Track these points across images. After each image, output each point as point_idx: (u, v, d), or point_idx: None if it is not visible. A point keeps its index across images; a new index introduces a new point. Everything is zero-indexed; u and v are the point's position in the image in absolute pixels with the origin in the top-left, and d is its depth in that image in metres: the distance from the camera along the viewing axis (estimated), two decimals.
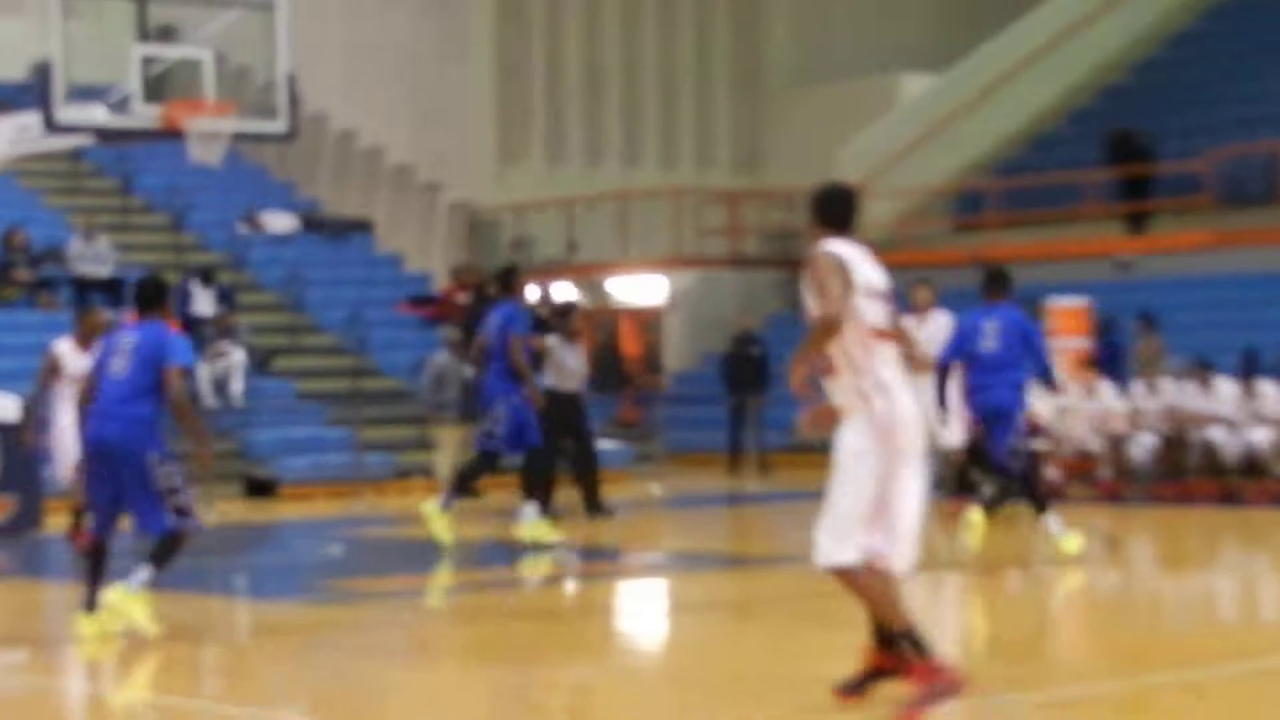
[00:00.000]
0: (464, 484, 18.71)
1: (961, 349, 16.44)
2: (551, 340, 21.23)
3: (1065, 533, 15.80)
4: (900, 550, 8.71)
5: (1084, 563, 16.20)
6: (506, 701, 10.43)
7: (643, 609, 15.52)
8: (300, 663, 12.22)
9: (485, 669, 11.73)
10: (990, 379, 16.16)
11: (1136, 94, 37.09)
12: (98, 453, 12.03)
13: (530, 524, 18.28)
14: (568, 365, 21.02)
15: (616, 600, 16.08)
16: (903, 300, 18.98)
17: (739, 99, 41.50)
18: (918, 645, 8.59)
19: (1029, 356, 16.38)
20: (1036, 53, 38.13)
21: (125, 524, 12.36)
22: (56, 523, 20.89)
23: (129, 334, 12.14)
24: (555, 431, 20.16)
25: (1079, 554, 15.74)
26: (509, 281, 19.15)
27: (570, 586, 17.04)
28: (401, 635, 13.57)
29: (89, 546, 13.03)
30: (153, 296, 12.37)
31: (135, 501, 11.88)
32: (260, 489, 25.75)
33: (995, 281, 16.59)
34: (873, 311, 8.60)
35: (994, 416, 16.25)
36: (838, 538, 8.65)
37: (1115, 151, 32.64)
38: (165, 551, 11.98)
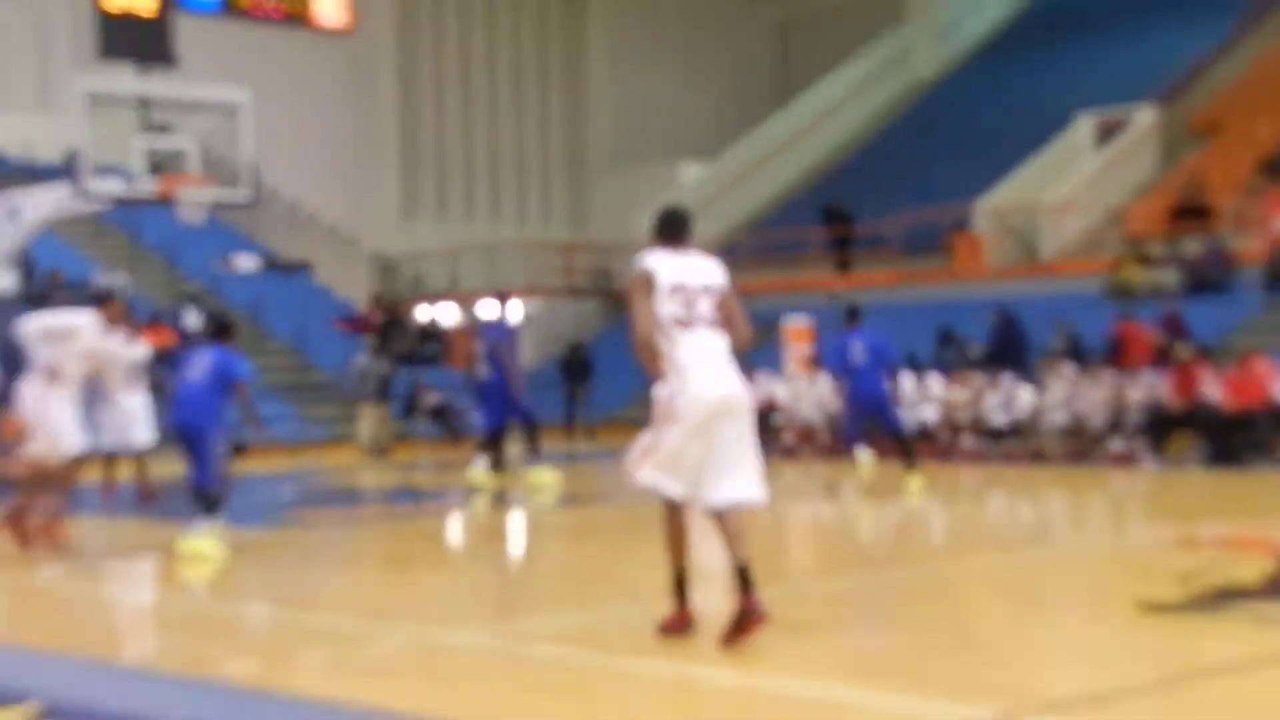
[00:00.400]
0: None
1: (840, 361, 17.58)
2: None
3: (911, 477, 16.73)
4: (702, 496, 7.81)
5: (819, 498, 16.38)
6: (402, 592, 10.44)
7: (502, 530, 15.51)
8: (265, 569, 12.13)
9: (393, 571, 11.74)
10: (864, 381, 17.23)
11: (843, 178, 37.37)
12: (179, 431, 12.04)
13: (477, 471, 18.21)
14: None
15: (484, 524, 16.04)
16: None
17: (571, 176, 41.58)
18: (679, 589, 7.92)
19: (883, 363, 17.64)
20: (775, 150, 38.81)
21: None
22: (96, 473, 20.64)
23: (205, 353, 12.23)
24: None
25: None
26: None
27: (452, 515, 17.00)
28: (336, 550, 13.52)
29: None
30: (221, 330, 12.57)
31: (198, 462, 11.93)
32: (235, 449, 25.43)
33: (852, 315, 17.81)
34: (673, 306, 7.91)
35: (874, 405, 17.59)
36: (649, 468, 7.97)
37: (828, 217, 33.06)
38: (211, 502, 11.94)
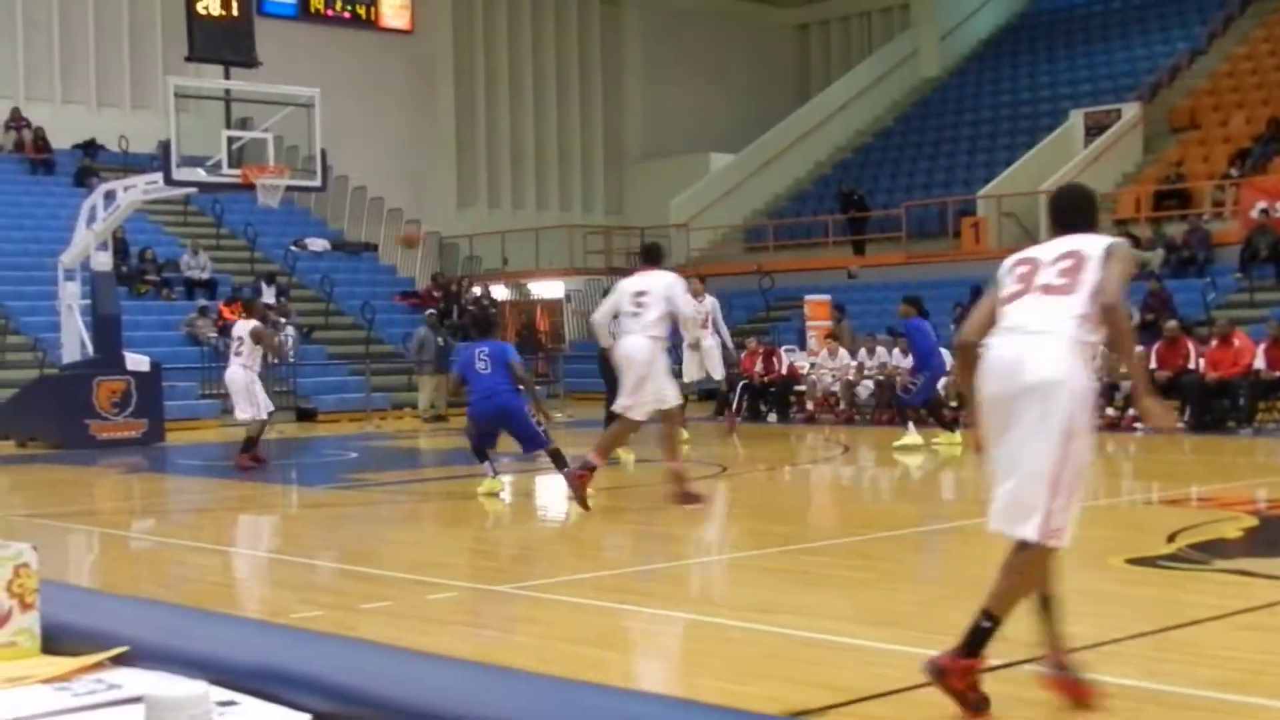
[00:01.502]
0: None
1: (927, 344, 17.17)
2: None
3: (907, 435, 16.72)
4: None
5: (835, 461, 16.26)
6: (463, 546, 10.36)
7: (551, 491, 15.42)
8: (330, 528, 12.09)
9: (452, 529, 11.66)
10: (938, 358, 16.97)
11: (858, 166, 37.39)
12: (490, 417, 12.76)
13: None
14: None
15: (536, 485, 15.98)
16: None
17: (609, 166, 41.48)
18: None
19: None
20: (796, 141, 38.70)
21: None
22: (174, 437, 20.68)
23: (482, 348, 12.82)
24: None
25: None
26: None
27: (505, 478, 16.90)
28: (397, 509, 13.46)
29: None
30: (487, 326, 13.65)
31: (517, 433, 12.84)
32: (306, 415, 25.52)
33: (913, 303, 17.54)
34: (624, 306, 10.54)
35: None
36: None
37: (844, 203, 32.94)
38: (557, 455, 12.70)
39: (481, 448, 13.05)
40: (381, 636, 6.55)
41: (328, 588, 8.84)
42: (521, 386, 13.00)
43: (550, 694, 1.60)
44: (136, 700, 1.12)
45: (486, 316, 14.76)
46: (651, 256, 12.27)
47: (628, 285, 11.68)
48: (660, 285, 11.42)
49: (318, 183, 21.02)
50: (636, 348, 11.27)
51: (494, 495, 12.78)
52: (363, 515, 12.78)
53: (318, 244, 31.80)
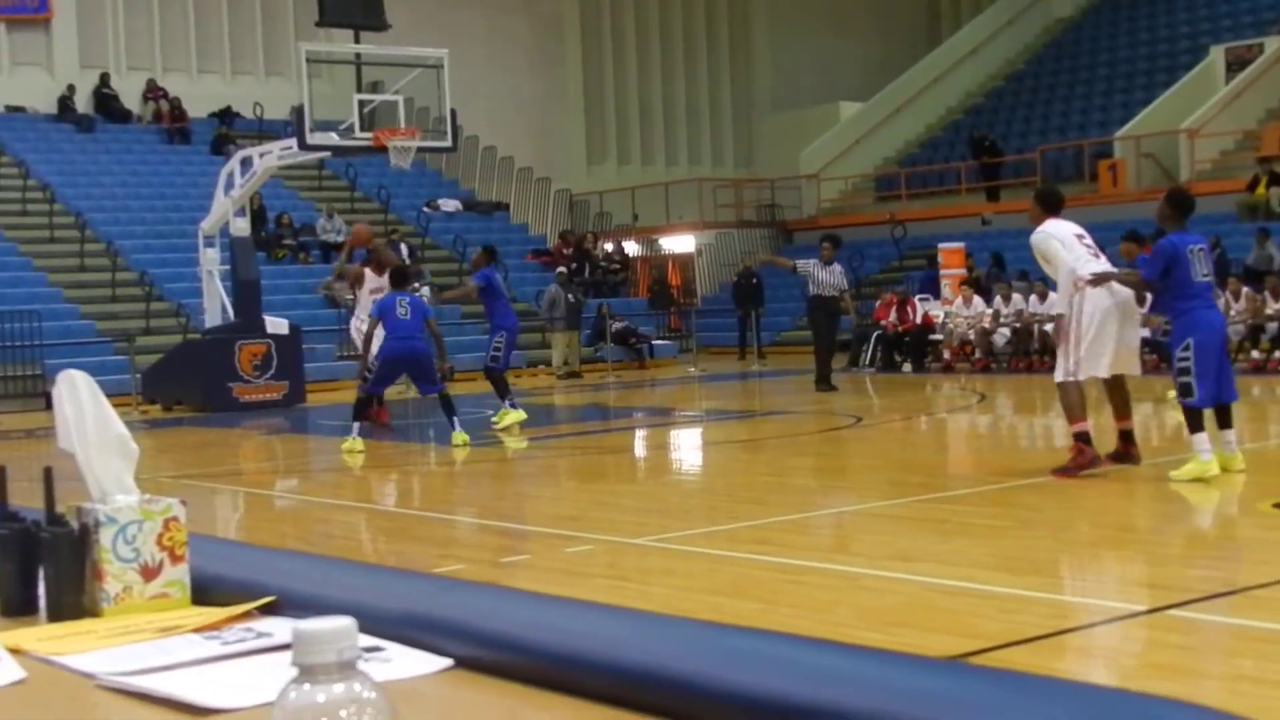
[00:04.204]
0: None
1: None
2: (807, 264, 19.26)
3: None
4: None
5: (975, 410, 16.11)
6: (598, 500, 10.43)
7: (687, 444, 15.50)
8: (468, 485, 12.24)
9: (588, 484, 11.74)
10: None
11: (990, 112, 36.82)
12: (405, 356, 13.44)
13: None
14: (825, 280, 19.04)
15: (671, 439, 16.06)
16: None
17: (738, 119, 41.28)
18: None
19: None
20: (925, 88, 38.22)
21: None
22: (314, 399, 21.05)
23: (404, 298, 13.51)
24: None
25: None
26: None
27: (638, 431, 16.99)
28: (533, 465, 13.58)
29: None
30: (405, 279, 14.00)
31: (423, 375, 13.46)
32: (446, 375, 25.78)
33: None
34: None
35: None
36: None
37: (977, 149, 32.49)
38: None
39: (377, 395, 14.08)
40: (524, 586, 6.64)
41: (467, 542, 8.97)
42: (433, 337, 13.96)
43: (696, 637, 1.61)
44: (286, 647, 1.16)
45: (405, 270, 14.91)
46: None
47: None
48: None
49: (448, 143, 21.17)
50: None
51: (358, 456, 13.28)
52: (500, 472, 12.92)
53: (450, 204, 32.10)
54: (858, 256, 28.67)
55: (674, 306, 32.03)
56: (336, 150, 21.36)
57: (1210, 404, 9.23)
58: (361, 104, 20.31)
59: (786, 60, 40.73)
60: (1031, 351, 21.48)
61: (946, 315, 23.37)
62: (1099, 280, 9.54)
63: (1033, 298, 21.61)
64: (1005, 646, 5.52)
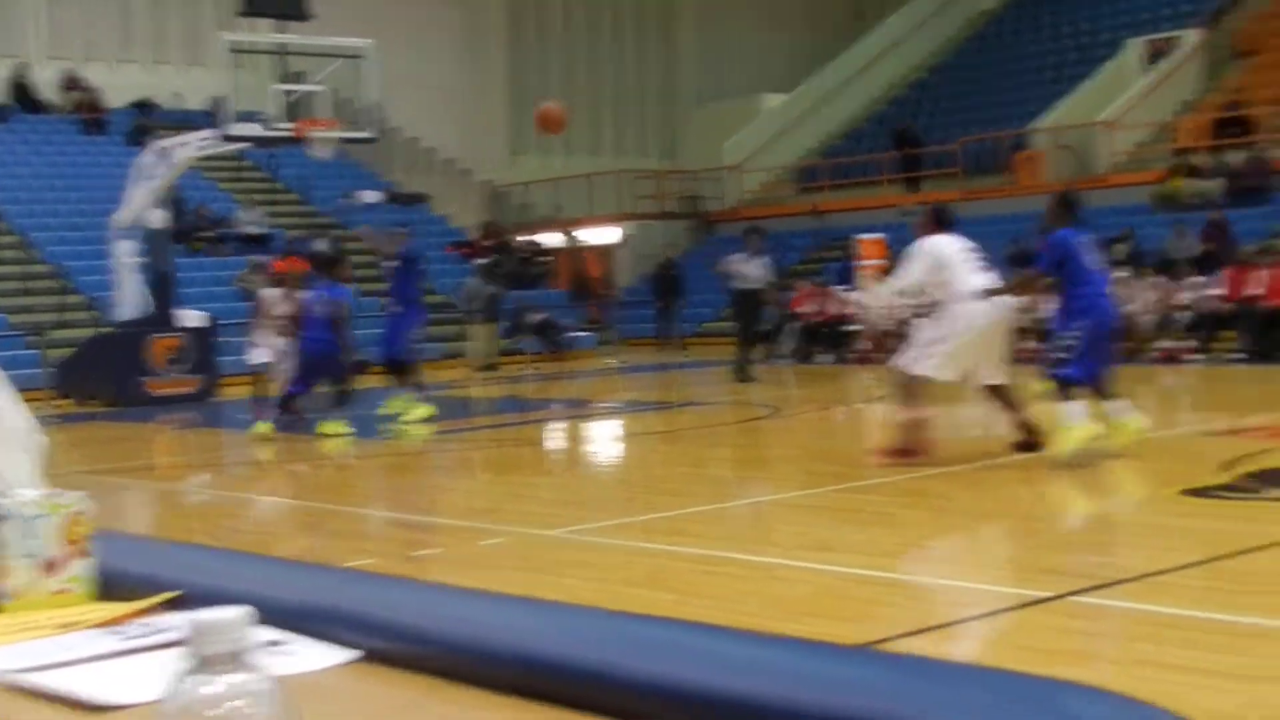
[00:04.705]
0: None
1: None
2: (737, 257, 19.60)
3: None
4: None
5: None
6: (513, 492, 10.46)
7: (604, 436, 15.54)
8: (382, 478, 12.23)
9: (503, 476, 11.76)
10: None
11: (913, 104, 37.08)
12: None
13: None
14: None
15: (588, 431, 16.09)
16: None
17: (662, 110, 41.32)
18: None
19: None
20: (848, 80, 38.47)
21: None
22: (229, 393, 20.90)
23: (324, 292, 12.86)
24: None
25: None
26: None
27: (555, 423, 17.00)
28: (449, 458, 13.58)
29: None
30: (328, 265, 13.14)
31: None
32: (358, 368, 25.63)
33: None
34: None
35: None
36: None
37: (898, 140, 32.77)
38: None
39: (306, 393, 13.90)
40: (431, 579, 6.66)
41: (379, 536, 8.98)
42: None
43: (604, 627, 1.63)
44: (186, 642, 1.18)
45: (329, 256, 14.87)
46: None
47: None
48: None
49: (371, 134, 21.10)
50: None
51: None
52: (414, 465, 12.92)
53: (371, 196, 31.90)
54: (779, 248, 28.81)
55: (594, 298, 32.05)
56: (257, 141, 21.21)
57: (1085, 381, 9.60)
58: (283, 94, 20.19)
59: (711, 52, 40.82)
60: None
61: (864, 306, 23.54)
62: (993, 294, 9.98)
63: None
64: (914, 634, 5.62)
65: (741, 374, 19.02)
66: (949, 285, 10.14)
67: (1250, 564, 6.55)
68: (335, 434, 13.75)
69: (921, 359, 10.19)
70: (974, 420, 10.73)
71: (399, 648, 1.67)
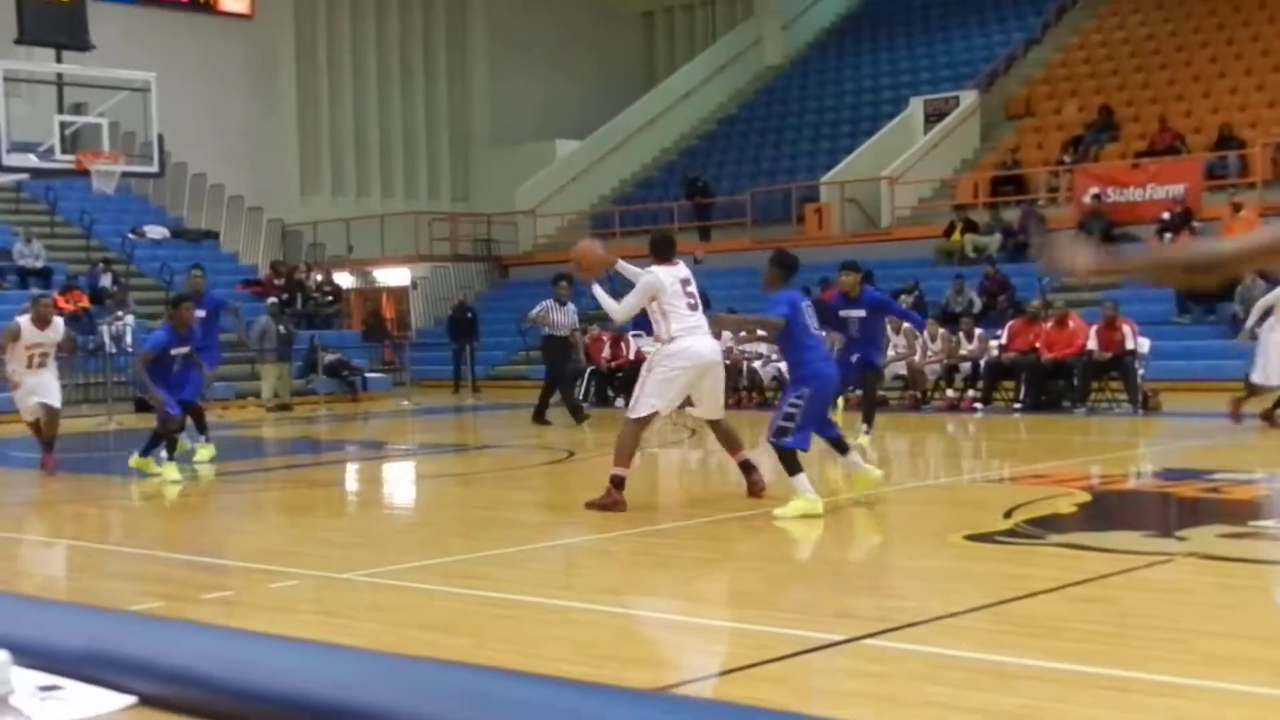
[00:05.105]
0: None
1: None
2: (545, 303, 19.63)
3: None
4: None
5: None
6: (307, 534, 10.21)
7: (398, 478, 15.32)
8: (171, 518, 11.85)
9: (296, 518, 11.49)
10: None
11: (703, 154, 37.63)
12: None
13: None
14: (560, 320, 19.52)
15: (383, 473, 15.86)
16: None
17: (456, 153, 41.23)
18: None
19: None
20: (641, 129, 38.92)
21: None
22: (6, 430, 20.12)
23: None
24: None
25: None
26: None
27: (350, 465, 16.72)
28: (240, 499, 13.23)
29: None
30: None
31: None
32: (145, 406, 24.98)
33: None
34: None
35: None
36: None
37: (690, 189, 33.22)
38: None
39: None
40: (219, 622, 6.43)
41: (168, 578, 8.66)
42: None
43: (388, 670, 1.57)
44: None
45: (180, 296, 14.79)
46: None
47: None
48: None
49: (155, 168, 20.63)
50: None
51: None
52: (204, 505, 12.56)
53: (156, 231, 31.17)
54: (574, 293, 28.89)
55: (388, 339, 31.74)
56: (35, 172, 20.59)
57: (804, 447, 9.67)
58: (63, 125, 19.62)
59: (505, 96, 40.92)
60: (740, 387, 21.91)
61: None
62: (721, 328, 10.26)
63: (742, 333, 22.05)
64: (709, 678, 5.59)
65: (540, 418, 19.07)
66: (666, 322, 10.26)
67: (1033, 607, 6.67)
68: (150, 472, 13.38)
69: (641, 401, 10.33)
70: (764, 466, 10.80)
71: (175, 692, 1.60)
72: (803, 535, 9.35)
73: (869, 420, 14.57)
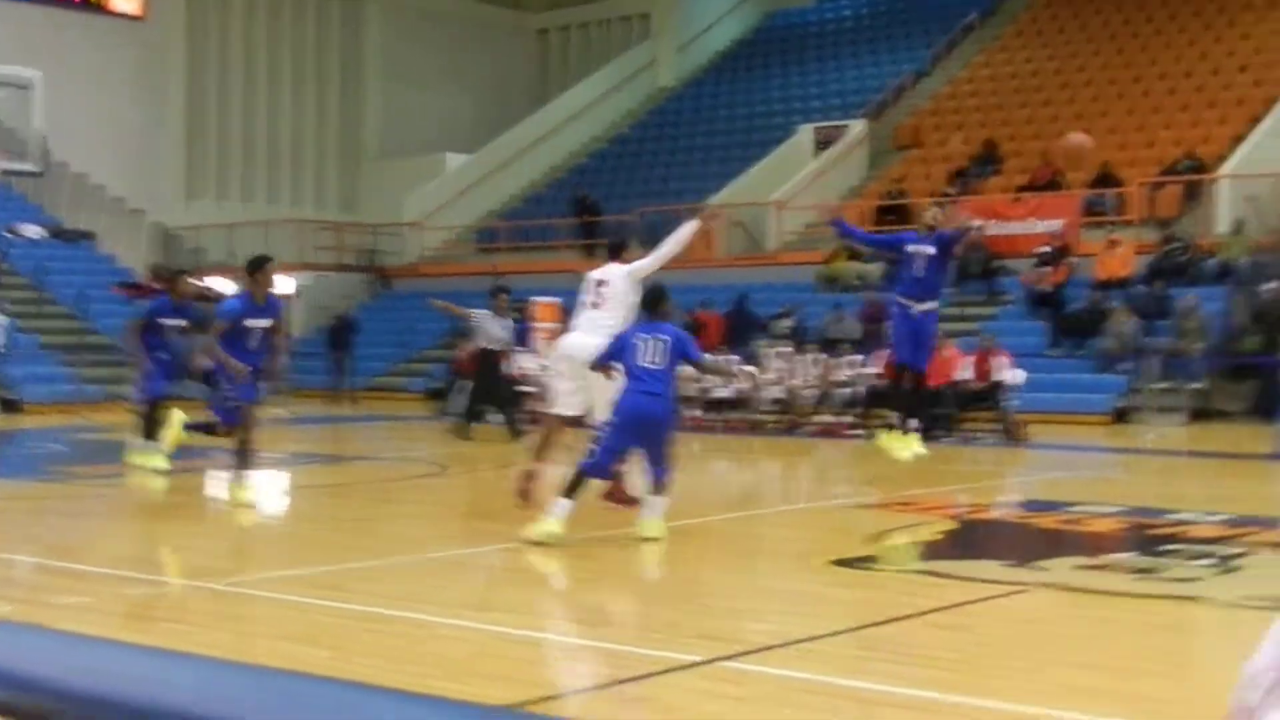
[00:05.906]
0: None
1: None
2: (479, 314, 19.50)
3: None
4: None
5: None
6: (170, 541, 10.09)
7: (268, 488, 15.13)
8: (30, 521, 11.63)
9: (156, 524, 11.34)
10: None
11: (593, 172, 37.70)
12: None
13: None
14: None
15: (252, 481, 15.65)
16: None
17: (344, 162, 40.90)
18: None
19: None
20: (531, 145, 38.91)
21: None
22: None
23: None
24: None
25: None
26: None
27: (218, 472, 16.48)
28: (104, 503, 13.03)
29: None
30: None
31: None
32: (10, 406, 24.62)
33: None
34: None
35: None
36: None
37: (578, 207, 33.27)
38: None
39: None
40: (71, 628, 6.34)
41: (23, 582, 8.52)
42: None
43: (243, 680, 1.57)
44: None
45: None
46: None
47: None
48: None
49: (36, 167, 20.26)
50: None
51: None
52: (66, 509, 12.33)
53: (32, 230, 30.61)
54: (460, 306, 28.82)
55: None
56: None
57: (598, 475, 9.73)
58: None
59: (396, 107, 40.71)
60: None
61: (542, 369, 23.64)
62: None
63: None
64: (569, 694, 5.61)
65: (462, 431, 19.07)
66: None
67: (895, 633, 6.77)
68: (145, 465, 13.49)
69: (560, 402, 10.80)
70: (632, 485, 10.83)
71: (25, 699, 1.58)
72: (668, 555, 9.40)
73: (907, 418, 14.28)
